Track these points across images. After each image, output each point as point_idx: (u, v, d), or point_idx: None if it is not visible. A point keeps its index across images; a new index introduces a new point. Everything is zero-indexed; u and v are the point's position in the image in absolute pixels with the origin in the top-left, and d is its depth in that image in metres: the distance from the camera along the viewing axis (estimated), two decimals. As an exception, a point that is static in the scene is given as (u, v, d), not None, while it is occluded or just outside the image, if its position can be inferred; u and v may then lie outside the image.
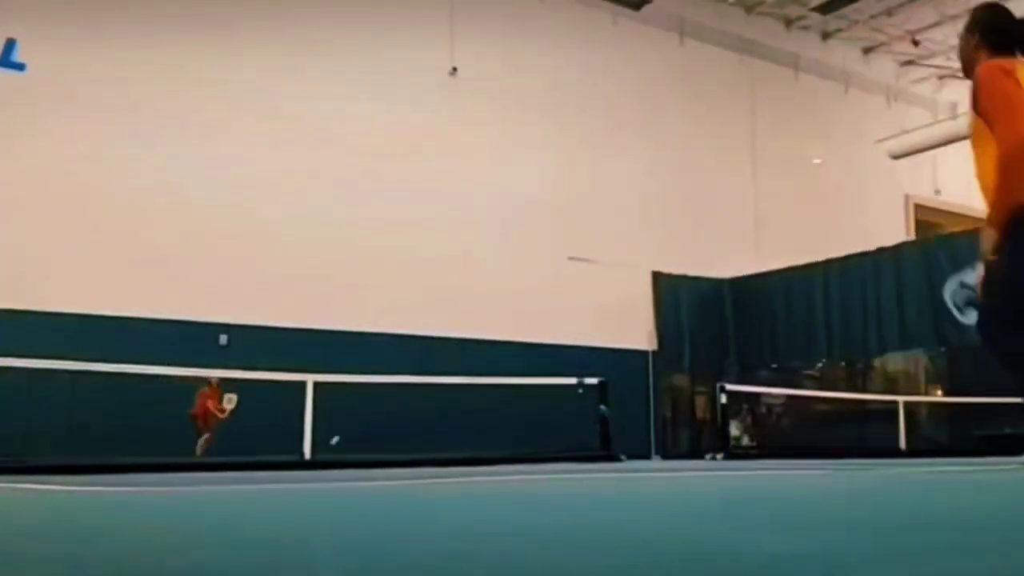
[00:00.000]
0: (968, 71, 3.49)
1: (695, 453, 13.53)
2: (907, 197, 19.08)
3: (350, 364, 10.22)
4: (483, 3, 14.58)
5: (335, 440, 10.04)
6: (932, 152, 17.89)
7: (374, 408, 10.64)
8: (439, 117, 13.74)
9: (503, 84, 14.44)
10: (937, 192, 19.12)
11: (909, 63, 19.28)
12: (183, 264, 11.51)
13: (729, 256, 15.73)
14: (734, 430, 13.70)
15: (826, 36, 18.47)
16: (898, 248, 14.47)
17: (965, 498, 2.26)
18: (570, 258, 14.35)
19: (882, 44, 18.70)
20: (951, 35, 17.92)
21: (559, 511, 1.81)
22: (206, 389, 11.05)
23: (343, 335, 12.10)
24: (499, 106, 14.37)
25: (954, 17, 17.21)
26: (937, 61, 19.11)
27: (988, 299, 3.40)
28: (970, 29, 3.49)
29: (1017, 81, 3.37)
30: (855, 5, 17.10)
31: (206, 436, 11.03)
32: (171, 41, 11.95)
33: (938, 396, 14.98)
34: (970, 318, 3.43)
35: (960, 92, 19.81)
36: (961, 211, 19.07)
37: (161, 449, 9.69)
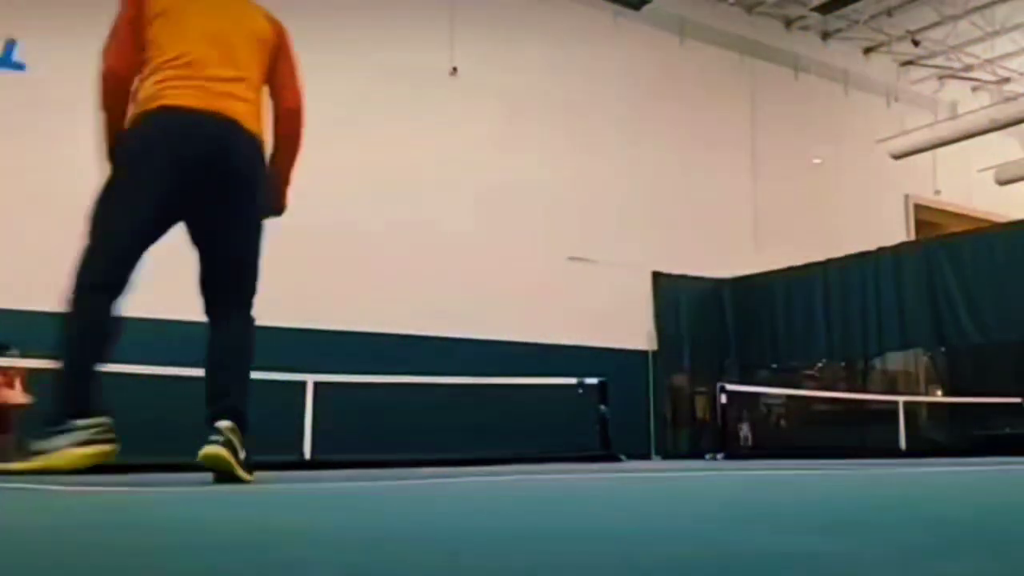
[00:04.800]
0: None
1: (695, 453, 13.53)
2: (907, 197, 19.09)
3: (350, 364, 10.21)
4: (483, 3, 14.58)
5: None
6: (932, 152, 17.92)
7: (374, 408, 10.64)
8: (439, 117, 13.73)
9: (503, 84, 14.44)
10: (937, 192, 19.14)
11: (909, 63, 19.30)
12: (183, 264, 11.49)
13: (729, 256, 15.73)
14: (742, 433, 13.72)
15: (826, 36, 18.48)
16: (898, 248, 14.48)
17: (964, 498, 2.27)
18: (570, 258, 14.36)
19: (882, 44, 18.71)
20: (951, 35, 17.94)
21: (559, 511, 1.81)
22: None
23: (343, 335, 12.09)
24: (499, 106, 14.37)
25: (954, 17, 17.24)
26: (937, 61, 19.13)
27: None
28: None
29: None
30: (855, 5, 17.11)
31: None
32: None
33: (938, 396, 14.97)
34: None
35: (960, 92, 19.86)
36: (961, 211, 19.11)
37: (161, 449, 9.68)
